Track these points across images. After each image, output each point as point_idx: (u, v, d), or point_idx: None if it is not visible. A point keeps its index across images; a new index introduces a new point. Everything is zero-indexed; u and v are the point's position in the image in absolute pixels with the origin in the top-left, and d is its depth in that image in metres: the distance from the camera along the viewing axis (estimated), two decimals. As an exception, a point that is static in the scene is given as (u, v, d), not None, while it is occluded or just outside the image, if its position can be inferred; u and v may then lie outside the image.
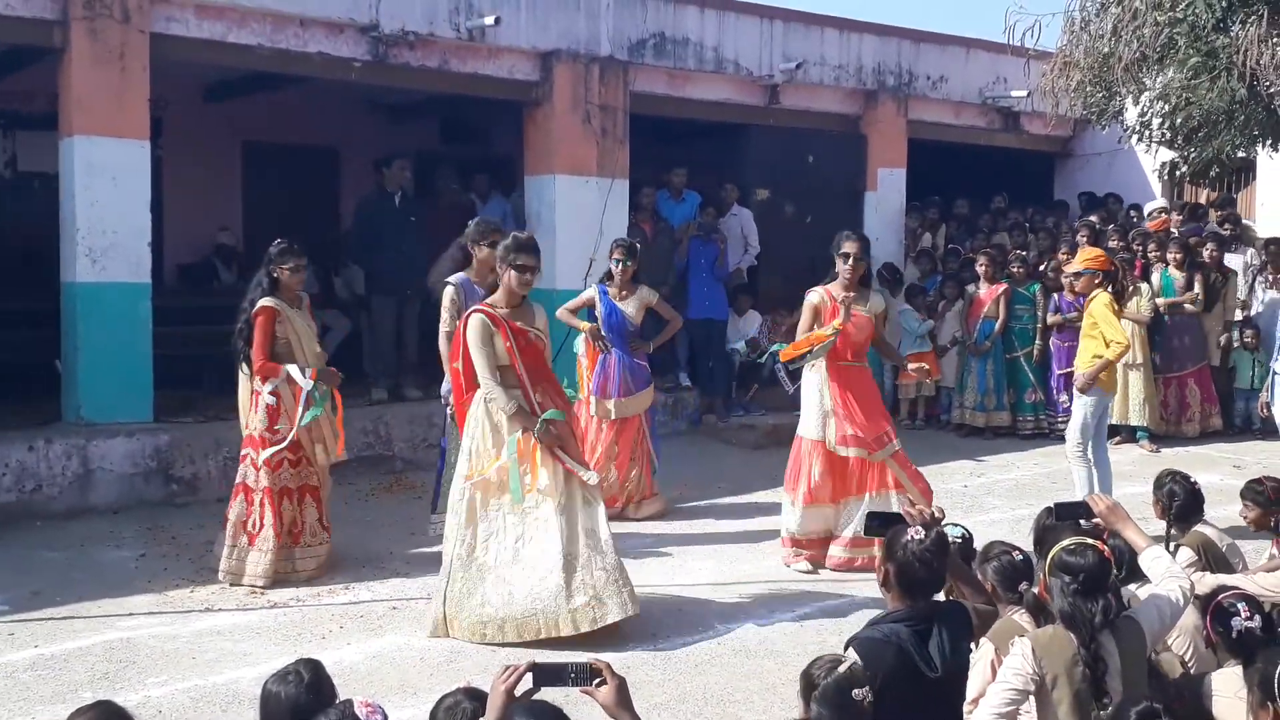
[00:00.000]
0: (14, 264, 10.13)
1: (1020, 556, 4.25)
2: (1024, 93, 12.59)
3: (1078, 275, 7.50)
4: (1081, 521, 4.15)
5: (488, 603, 5.55)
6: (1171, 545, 5.36)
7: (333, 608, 6.18)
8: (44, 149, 9.58)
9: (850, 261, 6.76)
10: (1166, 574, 3.74)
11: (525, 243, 5.80)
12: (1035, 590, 4.04)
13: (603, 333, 8.09)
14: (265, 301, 6.50)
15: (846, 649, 3.33)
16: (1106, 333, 7.15)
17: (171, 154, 11.16)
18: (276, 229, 8.67)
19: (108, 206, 8.25)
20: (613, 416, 8.07)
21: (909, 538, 3.42)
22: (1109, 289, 7.30)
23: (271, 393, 6.43)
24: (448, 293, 6.73)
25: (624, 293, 8.20)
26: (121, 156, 8.29)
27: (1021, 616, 4.05)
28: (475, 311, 5.70)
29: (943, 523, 3.73)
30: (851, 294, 6.78)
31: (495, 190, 11.60)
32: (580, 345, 8.32)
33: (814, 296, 6.87)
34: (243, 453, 6.59)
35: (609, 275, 8.27)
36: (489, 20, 9.70)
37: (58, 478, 7.90)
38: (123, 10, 8.26)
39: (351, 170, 12.39)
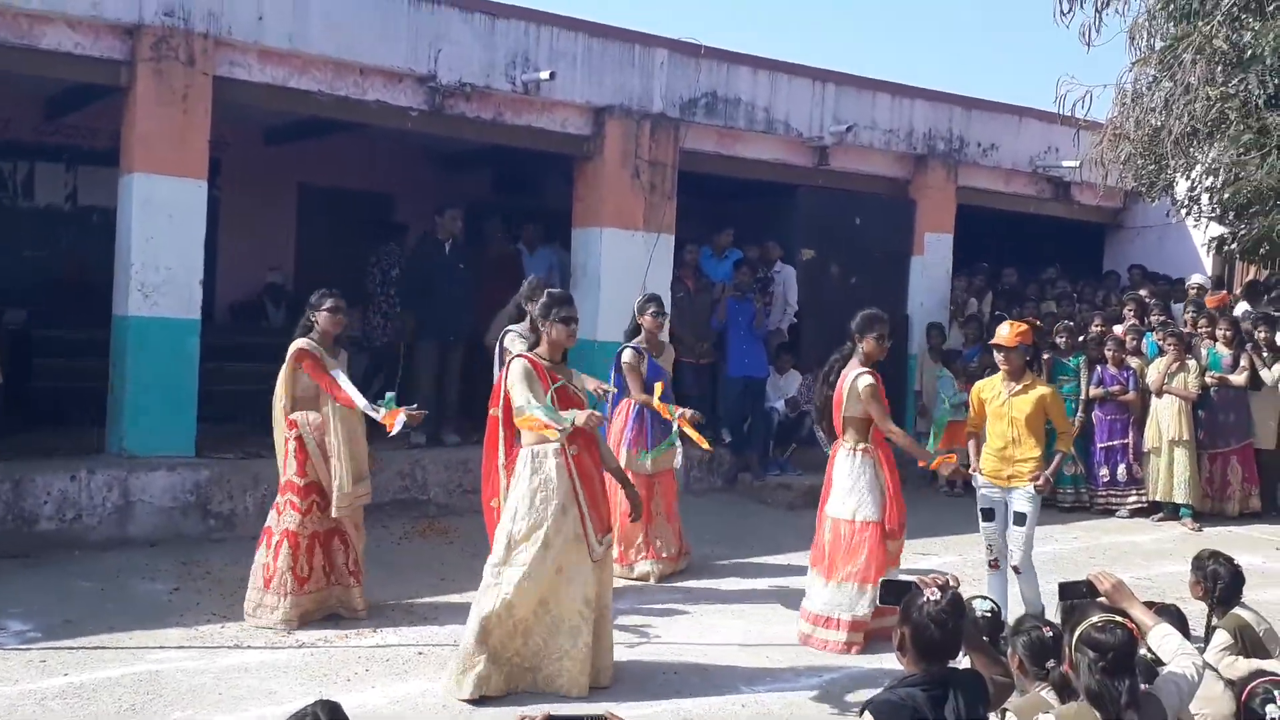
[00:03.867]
0: (70, 295, 10.35)
1: (1050, 633, 4.21)
2: (1075, 163, 12.57)
3: (1006, 351, 6.62)
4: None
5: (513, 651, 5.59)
6: (1209, 627, 5.28)
7: (359, 650, 6.21)
8: (104, 183, 9.85)
9: (885, 342, 6.70)
10: (1179, 652, 3.71)
11: (566, 296, 5.90)
12: (1062, 668, 3.99)
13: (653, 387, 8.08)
14: (301, 343, 6.58)
15: (862, 713, 3.31)
16: (1059, 422, 6.74)
17: (229, 194, 11.39)
18: (327, 270, 8.83)
19: (163, 243, 8.42)
20: (649, 470, 8.05)
21: (924, 599, 3.41)
22: (1033, 367, 6.97)
23: (296, 439, 6.46)
24: (513, 337, 6.80)
25: (656, 349, 8.23)
26: (179, 195, 8.47)
27: (1048, 693, 4.00)
28: (519, 357, 5.75)
29: (968, 595, 3.70)
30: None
31: (543, 242, 11.72)
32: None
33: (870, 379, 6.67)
34: (277, 500, 6.63)
35: (635, 331, 8.23)
36: (544, 75, 9.86)
37: (98, 508, 8.02)
38: (188, 53, 8.48)
39: (405, 216, 12.57)
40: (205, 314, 8.94)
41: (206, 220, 8.70)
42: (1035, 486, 6.60)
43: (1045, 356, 11.08)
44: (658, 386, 8.02)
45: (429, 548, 8.48)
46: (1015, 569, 6.69)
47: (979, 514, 6.85)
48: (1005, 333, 6.67)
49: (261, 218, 12.14)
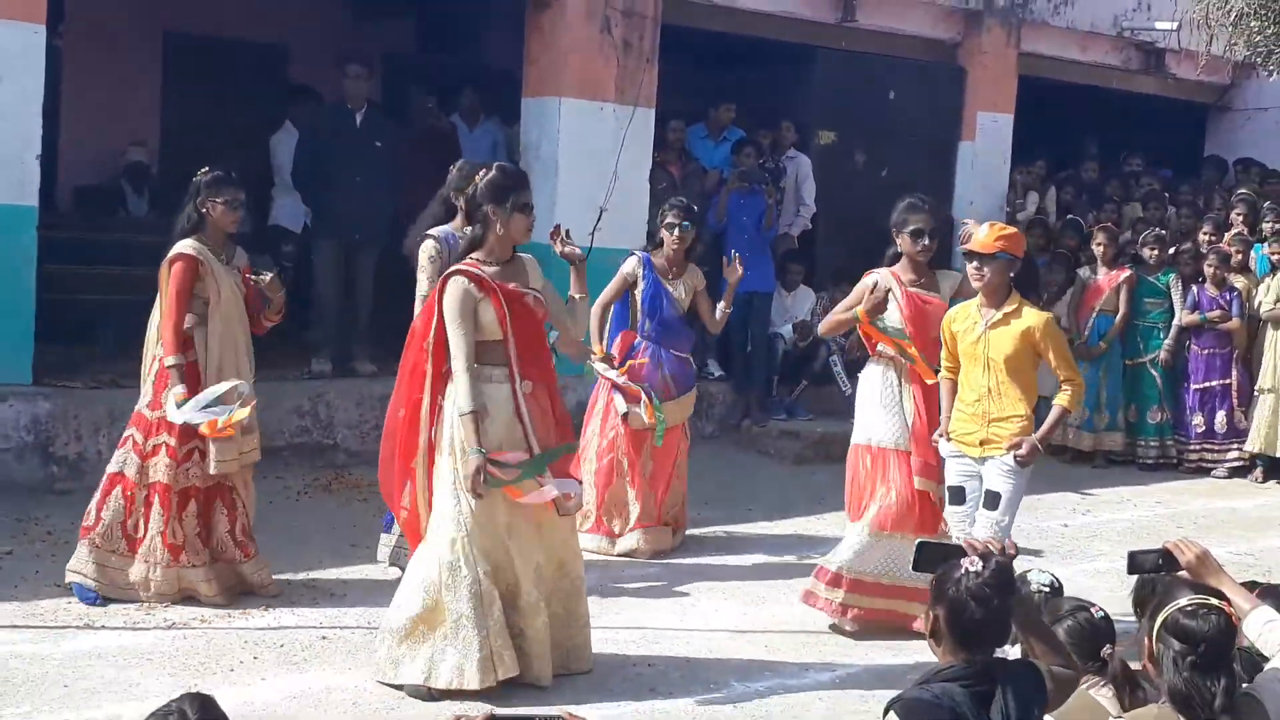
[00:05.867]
0: None
1: (1100, 614, 4.28)
2: (1172, 25, 12.54)
3: (981, 260, 6.04)
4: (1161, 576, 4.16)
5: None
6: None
7: (246, 633, 6.22)
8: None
9: (923, 241, 6.63)
10: None
11: (520, 174, 5.86)
12: (1121, 657, 4.05)
13: (645, 321, 8.08)
14: (185, 246, 6.51)
15: (886, 714, 3.34)
16: (1060, 368, 6.15)
17: (75, 45, 11.18)
18: (202, 146, 8.70)
19: (-12, 107, 8.28)
20: (647, 424, 8.04)
21: (963, 571, 3.43)
22: (1029, 289, 6.30)
23: (174, 365, 6.42)
24: (426, 247, 6.74)
25: (674, 270, 8.18)
26: (8, 43, 8.31)
27: (1101, 691, 4.05)
28: (456, 273, 5.66)
29: (1017, 561, 3.73)
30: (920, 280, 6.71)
31: (487, 114, 11.60)
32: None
33: (872, 279, 6.72)
34: (126, 433, 6.60)
35: (655, 243, 8.24)
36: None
37: (-93, 449, 7.98)
38: None
39: (302, 75, 12.40)
40: (45, 201, 8.80)
41: (46, 79, 8.55)
42: (1016, 457, 6.05)
43: (1092, 274, 11.11)
44: (621, 337, 8.03)
45: (336, 506, 8.49)
46: None
47: (945, 492, 6.52)
48: (983, 234, 6.08)
49: (118, 77, 11.95)
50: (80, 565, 6.46)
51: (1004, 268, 6.04)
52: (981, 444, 6.14)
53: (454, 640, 5.52)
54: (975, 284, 6.12)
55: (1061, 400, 6.14)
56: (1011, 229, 6.24)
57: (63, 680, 5.53)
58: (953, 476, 6.32)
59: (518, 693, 5.56)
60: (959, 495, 6.28)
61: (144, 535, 6.48)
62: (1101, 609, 4.33)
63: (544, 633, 5.68)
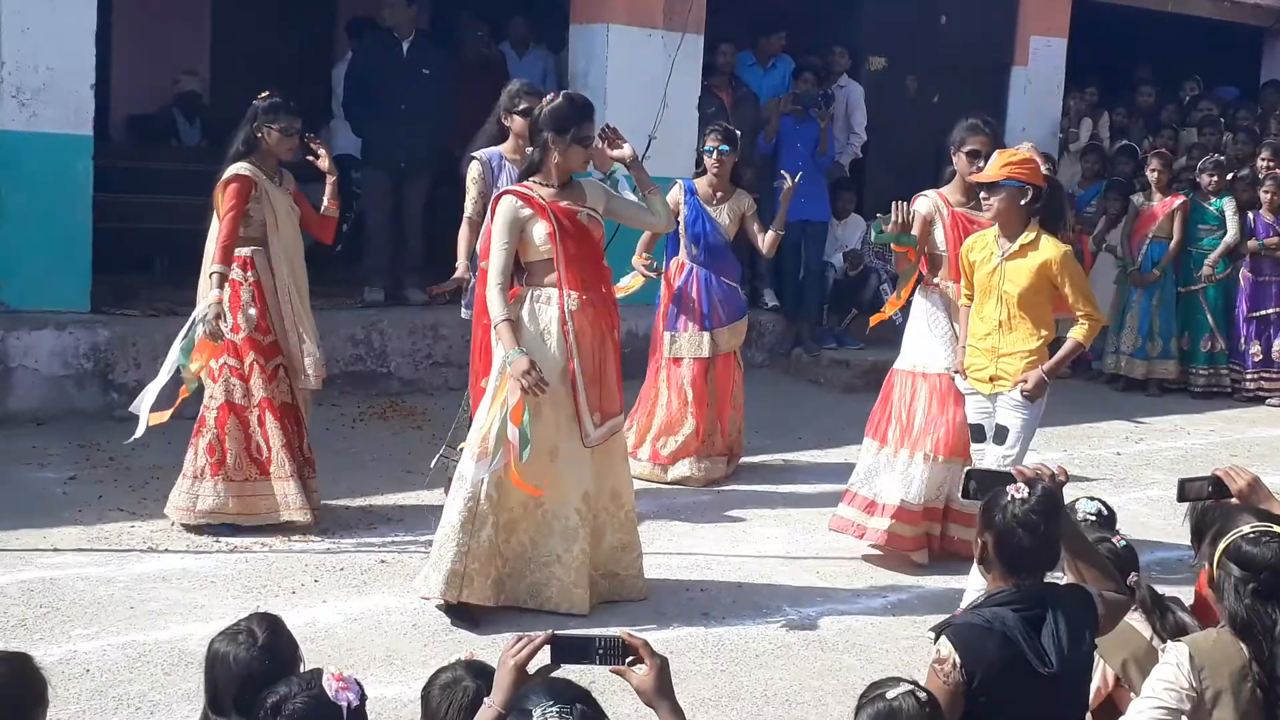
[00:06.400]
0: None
1: (1123, 543, 4.33)
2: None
3: (988, 189, 5.85)
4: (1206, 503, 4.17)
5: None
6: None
7: (306, 556, 6.32)
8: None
9: (979, 163, 6.41)
10: None
11: (586, 104, 5.85)
12: (1148, 584, 4.10)
13: (690, 246, 8.07)
14: (239, 168, 6.55)
15: (938, 638, 3.38)
16: (1077, 302, 5.91)
17: (125, -26, 11.20)
18: (254, 75, 8.69)
19: (42, 36, 8.30)
20: (705, 355, 8.08)
21: (1010, 498, 3.46)
22: (1042, 221, 5.93)
23: (232, 281, 6.48)
24: (472, 169, 6.81)
25: (718, 195, 8.15)
26: (62, -27, 8.34)
27: (1133, 617, 4.09)
28: (508, 193, 5.74)
29: (1067, 489, 3.75)
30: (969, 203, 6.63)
31: (536, 42, 11.55)
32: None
33: (924, 204, 6.63)
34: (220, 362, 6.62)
35: (701, 169, 8.23)
36: None
37: (-31, 376, 8.10)
38: None
39: (350, 5, 12.38)
40: (99, 131, 8.87)
41: (98, 9, 8.58)
42: (1024, 391, 5.87)
43: (1145, 200, 10.98)
44: (672, 263, 8.05)
45: (391, 434, 8.57)
46: None
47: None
48: (993, 163, 5.91)
49: (170, 6, 11.96)
50: (219, 505, 6.48)
51: (1014, 195, 5.77)
52: (991, 380, 5.97)
53: (439, 548, 5.64)
54: (987, 213, 5.94)
55: (1076, 334, 5.91)
56: (1023, 154, 5.97)
57: (129, 602, 5.65)
58: (970, 414, 6.18)
59: (566, 620, 5.62)
60: (979, 433, 6.11)
61: (269, 454, 6.56)
62: (1124, 538, 4.40)
63: (580, 559, 5.73)
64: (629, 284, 7.78)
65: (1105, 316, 11.01)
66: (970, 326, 6.11)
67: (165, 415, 6.44)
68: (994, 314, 5.95)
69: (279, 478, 6.54)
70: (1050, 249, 5.83)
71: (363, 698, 3.07)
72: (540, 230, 5.62)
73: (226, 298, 6.45)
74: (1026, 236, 5.83)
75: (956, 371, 6.25)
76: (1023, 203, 5.78)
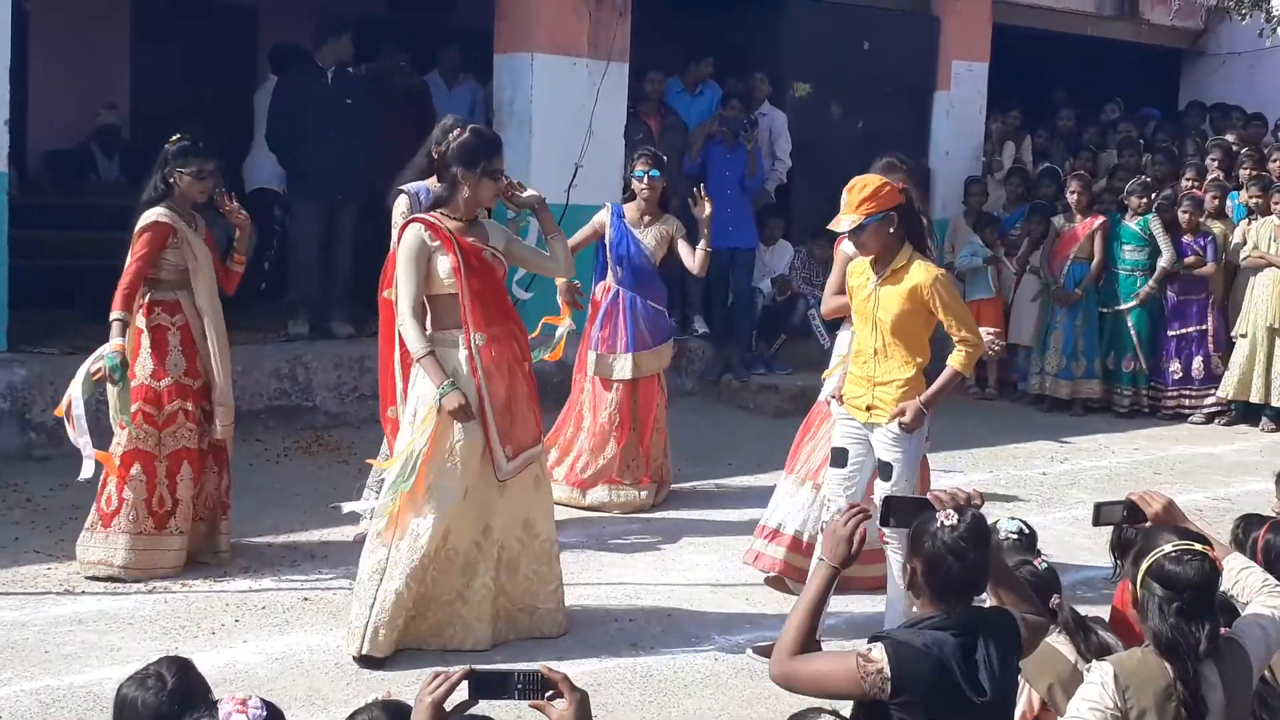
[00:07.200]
0: None
1: (1044, 565, 4.35)
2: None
3: (855, 233, 5.59)
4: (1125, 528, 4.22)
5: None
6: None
7: (227, 595, 6.23)
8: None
9: None
10: (1263, 588, 3.79)
11: (494, 139, 5.89)
12: (1069, 605, 4.12)
13: (615, 268, 8.06)
14: (157, 213, 6.46)
15: (873, 642, 3.37)
16: (952, 327, 5.67)
17: (42, 7, 11.06)
18: (174, 108, 8.61)
19: (-46, 71, 8.20)
20: (627, 377, 8.06)
21: (939, 525, 3.46)
22: (913, 242, 5.71)
23: (119, 319, 6.32)
24: (400, 203, 6.74)
25: (646, 218, 8.15)
26: (-27, 6, 8.23)
27: (1056, 639, 4.11)
28: (415, 220, 5.71)
29: (988, 512, 3.77)
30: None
31: (465, 72, 11.50)
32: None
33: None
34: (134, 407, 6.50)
35: (628, 194, 8.25)
36: None
37: (-118, 418, 7.94)
38: None
39: (275, 35, 12.29)
40: (15, 166, 8.75)
41: (11, 40, 8.46)
42: (901, 425, 5.63)
43: (1065, 221, 11.10)
44: (598, 286, 8.10)
45: (316, 468, 8.49)
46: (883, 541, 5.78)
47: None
48: (846, 203, 5.59)
49: (86, 37, 11.82)
50: (109, 554, 6.35)
51: (881, 227, 5.54)
52: (868, 409, 5.75)
53: (354, 599, 5.62)
54: (862, 253, 5.71)
55: (954, 361, 5.69)
56: (872, 185, 5.56)
57: (44, 646, 5.55)
58: (837, 437, 5.93)
59: (478, 655, 5.58)
60: (841, 457, 5.86)
61: (171, 507, 6.43)
62: (1046, 559, 4.42)
63: (482, 594, 5.68)
64: (560, 333, 7.77)
65: (1034, 339, 11.19)
66: (852, 353, 5.96)
67: (112, 455, 6.33)
68: (869, 341, 5.76)
69: (175, 532, 6.44)
70: (920, 273, 5.61)
71: (274, 715, 2.98)
72: (445, 264, 5.59)
73: (147, 344, 6.39)
74: (899, 261, 5.63)
75: (833, 398, 6.07)
76: (891, 230, 5.58)
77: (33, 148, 11.31)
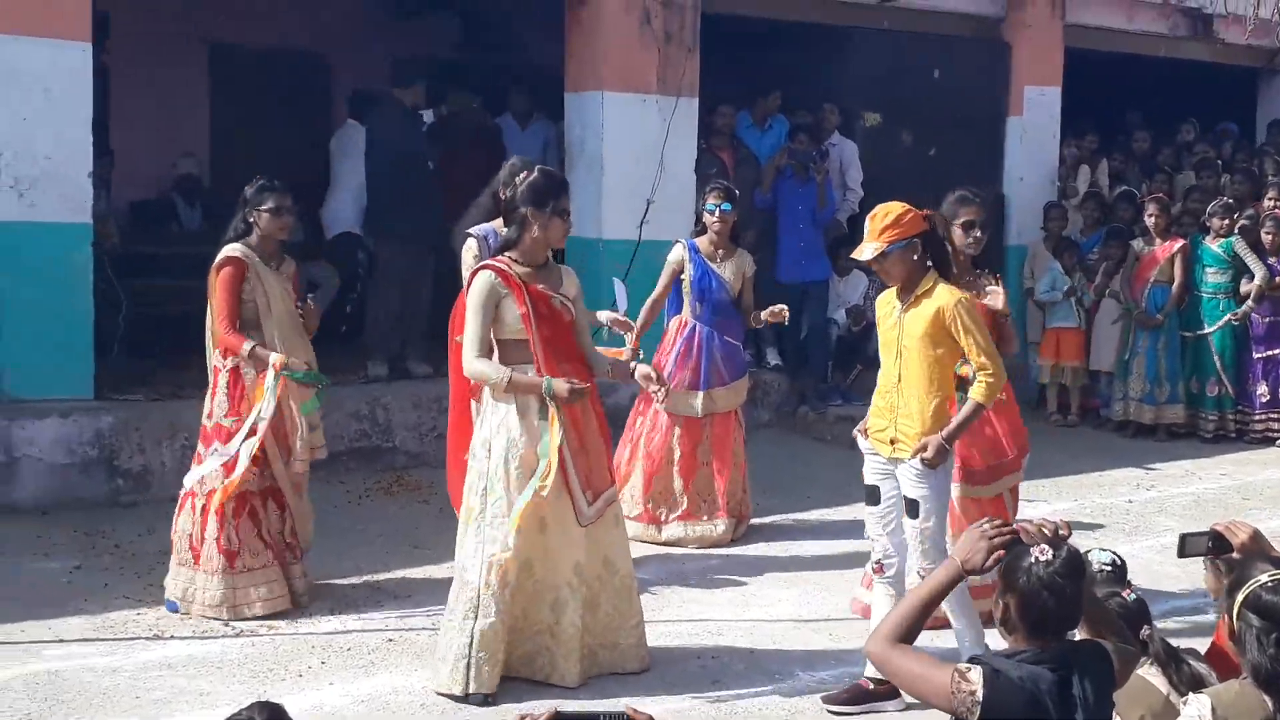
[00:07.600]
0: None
1: (1133, 597, 4.30)
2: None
3: (879, 260, 5.51)
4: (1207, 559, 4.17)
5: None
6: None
7: (313, 638, 6.27)
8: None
9: (974, 233, 6.36)
10: None
11: (560, 179, 5.92)
12: (1161, 637, 4.07)
13: (695, 304, 8.08)
14: (231, 249, 6.57)
15: (971, 666, 3.33)
16: (973, 353, 5.54)
17: (121, 60, 11.28)
18: (251, 157, 8.74)
19: (38, 126, 8.35)
20: (699, 414, 8.06)
21: (1033, 559, 3.40)
22: (938, 268, 5.59)
23: (232, 369, 6.49)
24: (470, 246, 6.75)
25: (720, 252, 8.15)
26: (56, 62, 8.38)
27: (1148, 670, 4.05)
28: (485, 268, 5.72)
29: (1074, 541, 3.71)
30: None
31: (538, 111, 11.59)
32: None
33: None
34: (198, 449, 6.64)
35: (700, 228, 8.25)
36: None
37: (-27, 467, 8.08)
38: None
39: (347, 81, 12.47)
40: (99, 217, 8.88)
41: (94, 95, 8.63)
42: (923, 460, 5.51)
43: (1145, 245, 10.98)
44: (673, 321, 8.05)
45: (397, 508, 8.53)
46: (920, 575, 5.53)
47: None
48: (868, 232, 5.55)
49: (166, 90, 12.04)
50: (187, 592, 6.49)
51: (905, 254, 5.47)
52: (891, 443, 5.64)
53: (444, 639, 5.64)
54: (890, 281, 5.65)
55: (976, 394, 5.56)
56: (894, 213, 5.49)
57: (134, 692, 5.60)
58: (867, 474, 5.81)
59: (564, 691, 5.56)
60: (874, 495, 5.76)
61: (239, 546, 6.48)
62: (1135, 590, 4.36)
63: (571, 631, 5.68)
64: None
65: (1115, 365, 11.03)
66: (878, 384, 5.84)
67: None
68: (893, 370, 5.67)
69: (246, 570, 6.50)
70: (944, 295, 5.51)
71: None
72: (514, 311, 5.61)
73: (224, 384, 6.52)
74: (923, 286, 5.54)
75: (860, 431, 5.90)
76: (915, 257, 5.50)
77: (117, 198, 11.52)
